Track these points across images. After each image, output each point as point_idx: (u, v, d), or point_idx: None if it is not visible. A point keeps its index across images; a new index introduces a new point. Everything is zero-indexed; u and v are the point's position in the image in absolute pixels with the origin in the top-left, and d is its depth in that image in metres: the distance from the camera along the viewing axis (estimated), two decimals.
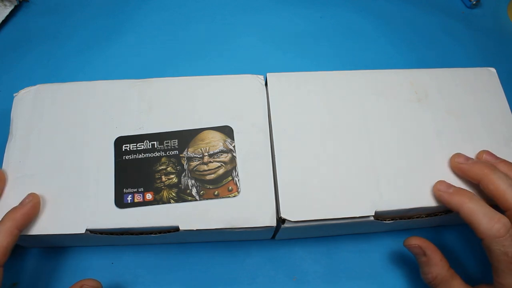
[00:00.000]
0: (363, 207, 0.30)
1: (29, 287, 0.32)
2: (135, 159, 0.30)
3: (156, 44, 0.44)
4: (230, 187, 0.30)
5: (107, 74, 0.42)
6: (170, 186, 0.30)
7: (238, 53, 0.44)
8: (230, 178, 0.30)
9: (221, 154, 0.31)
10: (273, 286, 0.33)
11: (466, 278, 0.29)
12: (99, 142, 0.31)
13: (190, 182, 0.30)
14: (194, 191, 0.30)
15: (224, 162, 0.31)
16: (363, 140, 0.32)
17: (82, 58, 0.43)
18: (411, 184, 0.30)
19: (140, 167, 0.30)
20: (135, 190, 0.30)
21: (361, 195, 0.30)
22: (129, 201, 0.30)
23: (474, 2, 0.48)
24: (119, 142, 0.31)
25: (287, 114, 0.32)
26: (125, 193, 0.30)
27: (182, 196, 0.30)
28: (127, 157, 0.30)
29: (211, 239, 0.34)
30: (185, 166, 0.30)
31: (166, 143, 0.31)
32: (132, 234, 0.29)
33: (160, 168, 0.30)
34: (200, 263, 0.34)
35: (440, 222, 0.34)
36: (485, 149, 0.32)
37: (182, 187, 0.30)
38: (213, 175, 0.30)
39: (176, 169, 0.30)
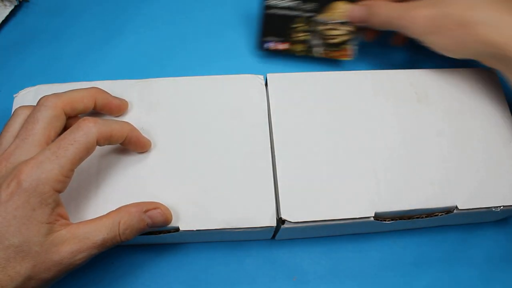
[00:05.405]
0: (363, 207, 0.30)
1: None
2: (279, 15, 0.38)
3: (156, 44, 0.44)
4: (347, 52, 0.39)
5: (107, 74, 0.41)
6: (302, 42, 0.39)
7: (239, 53, 0.44)
8: (349, 45, 0.38)
9: (347, 24, 0.38)
10: (273, 286, 0.33)
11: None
12: None
13: (317, 42, 0.38)
14: (317, 50, 0.39)
15: (348, 31, 0.38)
16: (363, 141, 0.32)
17: (82, 58, 0.43)
18: (411, 185, 0.30)
19: (281, 22, 0.38)
20: (275, 39, 0.39)
21: (361, 195, 0.30)
22: (269, 47, 0.39)
23: None
24: None
25: (287, 114, 0.32)
26: (265, 41, 0.39)
27: (309, 50, 0.39)
28: (271, 11, 0.38)
29: (211, 239, 0.34)
30: (317, 28, 0.38)
31: (308, 2, 0.38)
32: None
33: (297, 25, 0.38)
34: (200, 263, 0.34)
35: (440, 223, 0.34)
36: (485, 150, 0.32)
37: (310, 44, 0.39)
38: (336, 39, 0.38)
39: (309, 29, 0.38)
